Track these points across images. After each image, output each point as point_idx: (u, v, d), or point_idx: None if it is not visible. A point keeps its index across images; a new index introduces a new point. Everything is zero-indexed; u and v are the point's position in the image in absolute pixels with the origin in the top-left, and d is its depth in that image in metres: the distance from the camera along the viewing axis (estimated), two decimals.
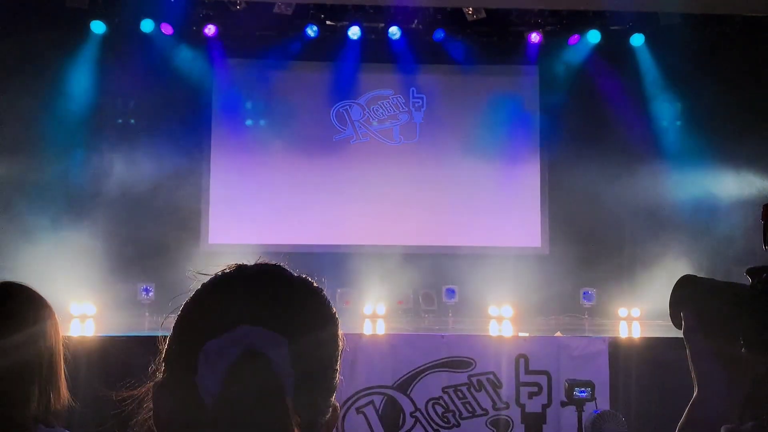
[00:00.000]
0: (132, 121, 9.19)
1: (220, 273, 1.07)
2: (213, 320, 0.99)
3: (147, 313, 8.67)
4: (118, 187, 9.00)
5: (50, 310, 1.89)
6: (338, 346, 1.07)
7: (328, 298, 1.10)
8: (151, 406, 1.03)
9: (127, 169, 8.99)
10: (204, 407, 0.95)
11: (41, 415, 1.79)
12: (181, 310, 1.05)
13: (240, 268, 1.07)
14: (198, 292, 1.06)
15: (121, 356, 5.46)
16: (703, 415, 1.21)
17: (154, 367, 1.07)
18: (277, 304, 1.02)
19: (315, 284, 1.09)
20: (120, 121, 9.19)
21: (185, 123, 9.56)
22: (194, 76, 9.58)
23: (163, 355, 1.04)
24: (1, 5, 8.63)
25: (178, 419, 0.99)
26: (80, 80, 9.21)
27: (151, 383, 1.05)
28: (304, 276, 1.09)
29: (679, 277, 1.25)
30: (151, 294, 8.77)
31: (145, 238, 9.05)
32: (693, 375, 1.22)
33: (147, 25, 9.25)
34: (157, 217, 9.07)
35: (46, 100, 8.98)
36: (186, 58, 9.51)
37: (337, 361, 1.06)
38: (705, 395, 1.20)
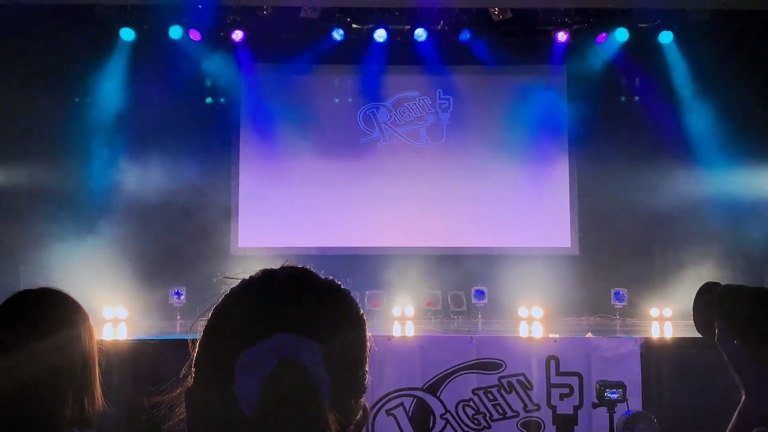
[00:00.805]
0: (161, 126, 9.27)
1: (248, 278, 1.07)
2: (246, 328, 1.00)
3: (179, 317, 8.76)
4: (148, 192, 9.09)
5: (85, 315, 1.91)
6: (367, 347, 1.08)
7: (356, 299, 1.10)
8: (184, 410, 1.05)
9: (158, 174, 9.08)
10: (238, 412, 0.96)
11: (75, 419, 1.81)
12: (211, 315, 1.06)
13: (267, 273, 1.08)
14: (227, 297, 1.07)
15: (153, 359, 5.52)
16: (753, 416, 1.22)
17: (185, 371, 1.08)
18: (307, 309, 1.03)
19: (342, 287, 1.10)
20: (149, 126, 9.27)
21: (214, 128, 9.65)
22: (222, 82, 9.66)
23: (194, 360, 1.05)
24: (33, 13, 8.78)
25: (211, 424, 1.00)
26: (110, 87, 9.33)
27: (183, 387, 1.06)
28: (331, 279, 1.10)
29: (701, 284, 1.25)
30: (182, 297, 8.86)
31: (176, 242, 9.15)
32: (737, 380, 1.23)
33: (175, 32, 9.35)
34: (187, 222, 9.16)
35: (76, 106, 9.13)
36: (214, 63, 9.58)
37: (366, 362, 1.07)
38: (753, 397, 1.21)
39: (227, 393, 0.97)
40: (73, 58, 9.27)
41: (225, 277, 1.09)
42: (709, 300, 1.24)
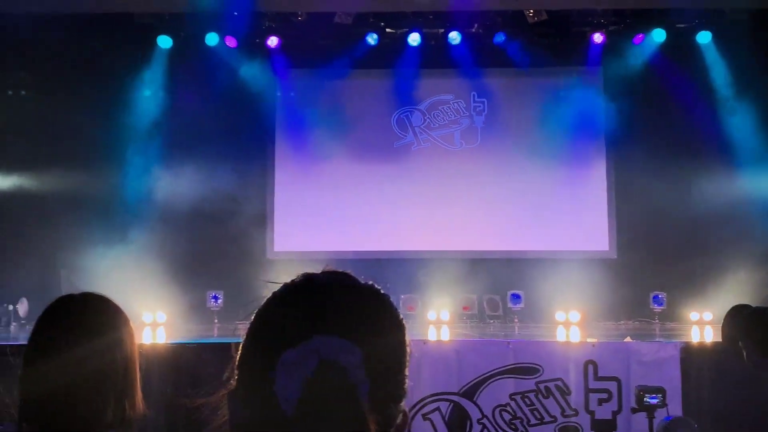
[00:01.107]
0: (197, 132, 9.37)
1: (290, 282, 1.09)
2: (288, 330, 1.01)
3: (216, 320, 8.85)
4: (185, 197, 9.20)
5: (126, 319, 1.94)
6: (407, 351, 1.08)
7: (395, 304, 1.11)
8: (226, 412, 1.06)
9: (194, 179, 9.19)
10: (280, 414, 0.97)
11: (116, 422, 1.84)
12: (254, 319, 1.07)
13: (309, 277, 1.09)
14: (270, 301, 1.08)
15: (192, 363, 5.57)
16: None
17: (227, 374, 1.09)
18: (347, 312, 1.04)
19: (382, 291, 1.10)
20: (186, 132, 9.38)
21: (249, 133, 9.73)
22: (258, 87, 9.74)
23: (236, 362, 1.07)
24: (73, 22, 8.94)
25: (253, 426, 1.02)
26: (147, 94, 9.47)
27: (225, 390, 1.08)
28: (370, 283, 1.11)
29: (730, 308, 1.25)
30: (219, 301, 8.95)
31: (213, 247, 9.24)
32: None
33: (212, 39, 9.46)
34: (223, 227, 9.25)
35: (115, 113, 9.25)
36: (249, 69, 9.68)
37: (406, 366, 1.08)
38: None
39: (269, 394, 0.98)
40: (111, 65, 9.43)
41: (267, 281, 1.10)
42: (737, 323, 1.24)
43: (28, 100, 8.74)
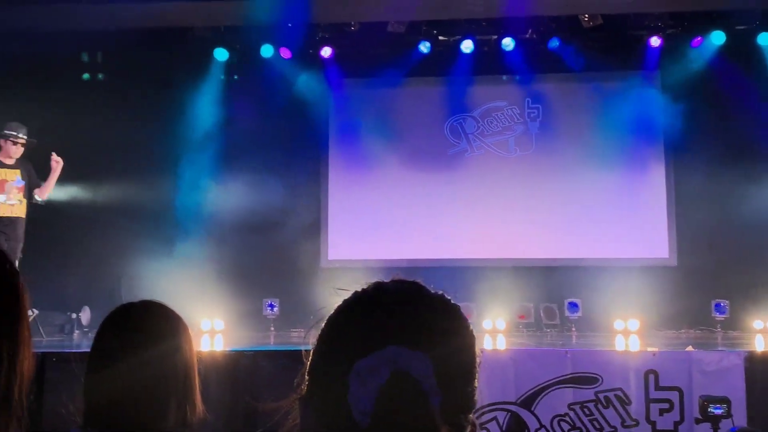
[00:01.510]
0: (252, 142, 9.50)
1: (360, 291, 1.09)
2: (360, 339, 1.02)
3: (272, 328, 8.95)
4: (240, 207, 9.32)
5: (185, 326, 1.98)
6: (476, 363, 1.08)
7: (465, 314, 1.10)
8: (296, 417, 1.07)
9: (249, 189, 9.31)
10: (352, 423, 0.98)
11: (178, 426, 1.87)
12: (325, 326, 1.08)
13: (380, 286, 1.09)
14: (341, 309, 1.08)
15: (249, 370, 5.63)
16: None
17: (298, 379, 1.10)
18: (418, 322, 1.04)
19: (452, 301, 1.10)
20: (241, 143, 9.52)
21: (303, 144, 9.81)
22: (311, 98, 9.82)
23: (307, 369, 1.07)
24: (131, 35, 9.17)
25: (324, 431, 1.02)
26: (205, 105, 9.64)
27: (296, 396, 1.08)
28: (441, 292, 1.10)
29: None
30: (275, 309, 9.04)
31: (268, 256, 9.34)
32: None
33: (267, 51, 9.58)
34: (278, 236, 9.34)
35: (172, 125, 9.44)
36: (303, 80, 9.77)
37: (476, 377, 1.07)
38: None
39: (341, 402, 0.99)
40: (169, 78, 9.64)
41: (338, 289, 1.11)
42: None
43: (87, 113, 8.97)
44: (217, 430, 5.29)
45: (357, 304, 1.07)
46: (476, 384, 1.07)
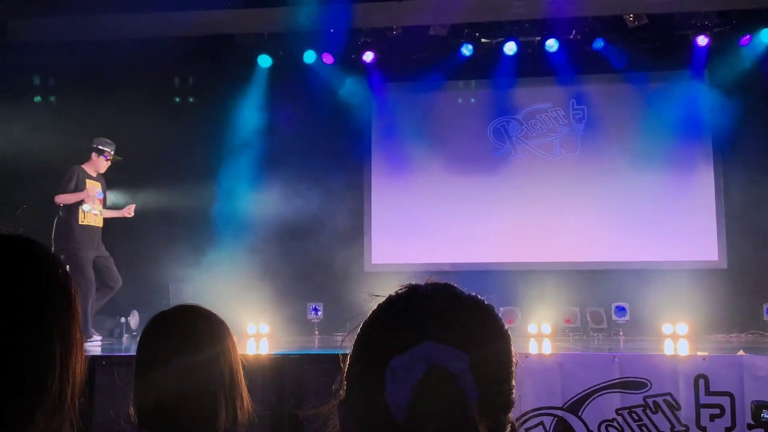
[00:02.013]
0: (295, 148, 9.57)
1: (394, 294, 1.10)
2: (395, 339, 1.02)
3: (316, 332, 9.00)
4: (285, 212, 9.39)
5: (228, 330, 2.02)
6: (512, 361, 1.08)
7: (499, 315, 1.10)
8: (336, 423, 1.07)
9: (294, 194, 9.37)
10: (390, 423, 0.98)
11: (230, 425, 1.91)
12: (361, 330, 1.09)
13: (413, 289, 1.10)
14: (375, 313, 1.09)
15: (295, 373, 5.67)
16: None
17: (336, 385, 1.10)
18: (453, 321, 1.04)
19: (486, 302, 1.10)
20: (284, 148, 9.59)
21: (346, 148, 9.85)
22: (354, 102, 9.85)
23: (345, 374, 1.08)
24: (175, 44, 9.32)
25: None
26: (249, 111, 9.74)
27: (335, 401, 1.09)
28: (474, 294, 1.11)
29: None
30: (319, 313, 9.10)
31: (312, 261, 9.39)
32: None
33: (309, 56, 9.64)
34: (322, 240, 9.38)
35: (216, 131, 9.56)
36: (346, 85, 9.82)
37: (513, 377, 1.07)
38: None
39: (378, 402, 0.99)
40: (213, 85, 9.77)
41: (371, 294, 1.11)
42: None
43: (131, 123, 9.15)
44: None
45: (391, 307, 1.08)
46: (513, 383, 1.07)
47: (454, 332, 1.02)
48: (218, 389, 1.90)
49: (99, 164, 7.75)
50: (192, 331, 1.95)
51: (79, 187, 7.56)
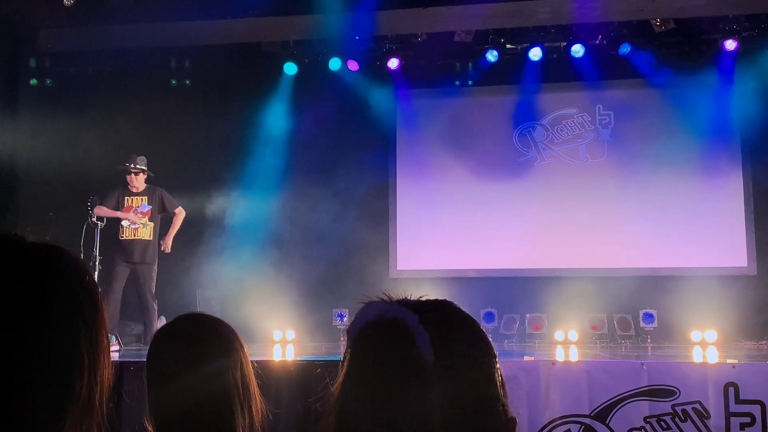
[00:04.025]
0: (320, 154, 9.61)
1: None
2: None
3: (342, 338, 8.99)
4: (310, 218, 9.43)
5: (235, 333, 2.03)
6: (494, 391, 1.09)
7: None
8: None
9: (319, 200, 9.40)
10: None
11: (247, 430, 1.92)
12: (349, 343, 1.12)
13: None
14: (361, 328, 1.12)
15: (320, 379, 5.67)
16: None
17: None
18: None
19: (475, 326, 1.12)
20: (308, 155, 9.63)
21: (372, 154, 9.85)
22: (379, 109, 9.88)
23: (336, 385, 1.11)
24: (202, 52, 9.42)
25: None
26: (274, 119, 9.80)
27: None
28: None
29: None
30: (345, 319, 9.11)
31: (337, 267, 9.40)
32: None
33: (335, 64, 9.68)
34: (347, 246, 9.40)
35: (243, 138, 9.63)
36: (371, 92, 9.84)
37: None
38: None
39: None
40: (240, 93, 9.84)
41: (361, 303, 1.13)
42: None
43: (158, 131, 9.25)
44: None
45: (372, 326, 1.09)
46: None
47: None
48: (232, 394, 1.91)
49: (133, 181, 8.13)
50: (199, 339, 1.96)
51: (120, 204, 8.06)
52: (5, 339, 0.95)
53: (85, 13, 8.18)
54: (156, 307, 8.04)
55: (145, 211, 8.12)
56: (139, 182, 8.17)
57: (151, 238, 8.13)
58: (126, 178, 8.13)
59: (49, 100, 9.74)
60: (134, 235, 8.04)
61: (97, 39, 8.93)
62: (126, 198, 8.12)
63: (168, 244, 8.26)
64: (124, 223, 8.02)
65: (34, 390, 0.96)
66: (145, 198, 8.16)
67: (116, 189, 8.16)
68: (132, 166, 8.08)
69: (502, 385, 1.07)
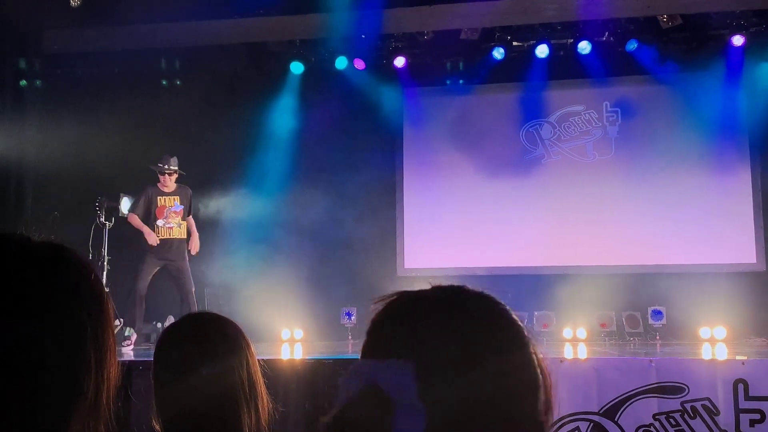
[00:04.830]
0: (327, 154, 9.61)
1: (388, 303, 1.08)
2: (372, 351, 1.02)
3: (350, 336, 9.01)
4: (317, 217, 9.42)
5: (240, 331, 2.05)
6: (535, 378, 1.04)
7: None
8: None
9: (326, 199, 9.40)
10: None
11: (254, 429, 1.93)
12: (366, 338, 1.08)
13: (407, 298, 1.09)
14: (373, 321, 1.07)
15: (328, 378, 5.68)
16: None
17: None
18: (447, 340, 0.99)
19: (499, 307, 1.05)
20: (315, 154, 9.64)
21: (379, 152, 9.86)
22: (386, 107, 9.87)
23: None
24: (209, 52, 9.43)
25: None
26: (281, 118, 9.81)
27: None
28: (485, 295, 1.06)
29: None
30: (353, 318, 9.11)
31: (345, 266, 9.40)
32: None
33: (341, 62, 9.68)
34: (355, 245, 9.39)
35: (249, 137, 9.64)
36: (378, 90, 9.83)
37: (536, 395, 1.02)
38: None
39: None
40: (246, 93, 9.85)
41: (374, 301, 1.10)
42: None
43: (167, 130, 9.26)
44: None
45: (386, 318, 1.05)
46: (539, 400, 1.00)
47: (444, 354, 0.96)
48: (239, 393, 1.92)
49: (165, 181, 8.22)
50: (205, 338, 1.96)
51: (152, 204, 8.19)
52: (11, 337, 0.96)
53: (92, 14, 8.20)
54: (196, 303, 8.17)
55: (178, 210, 8.27)
56: (171, 182, 8.28)
57: (185, 237, 8.30)
58: (159, 178, 8.22)
59: (56, 101, 9.76)
60: (170, 234, 8.18)
61: (104, 40, 8.94)
62: (158, 198, 8.22)
63: (197, 246, 8.37)
64: (159, 222, 8.16)
65: (40, 388, 0.96)
66: (177, 198, 8.28)
67: (145, 191, 8.22)
68: (166, 167, 8.18)
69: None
